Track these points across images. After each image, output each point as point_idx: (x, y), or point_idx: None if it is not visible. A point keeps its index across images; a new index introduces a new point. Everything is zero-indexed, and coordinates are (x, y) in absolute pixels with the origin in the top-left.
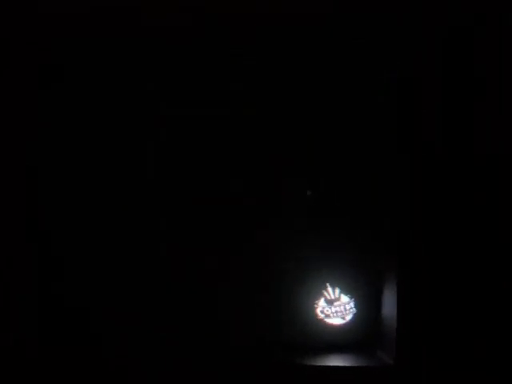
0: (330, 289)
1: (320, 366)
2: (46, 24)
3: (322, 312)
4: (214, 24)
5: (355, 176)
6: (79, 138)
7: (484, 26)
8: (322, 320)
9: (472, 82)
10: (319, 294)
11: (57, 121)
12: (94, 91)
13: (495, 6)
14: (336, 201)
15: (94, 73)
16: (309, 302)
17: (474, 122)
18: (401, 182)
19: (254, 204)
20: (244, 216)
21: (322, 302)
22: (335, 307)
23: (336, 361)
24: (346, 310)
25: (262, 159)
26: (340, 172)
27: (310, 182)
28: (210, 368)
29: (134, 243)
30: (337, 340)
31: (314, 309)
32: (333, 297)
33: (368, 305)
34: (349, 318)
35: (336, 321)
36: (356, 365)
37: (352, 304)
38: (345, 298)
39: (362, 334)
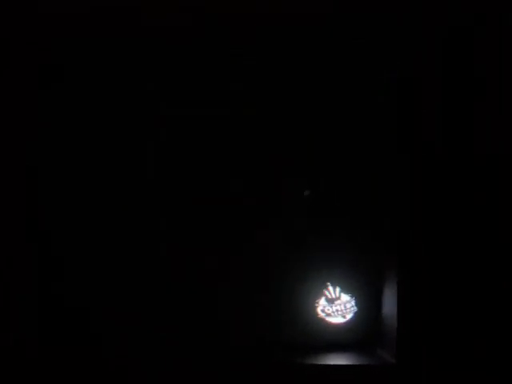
0: (330, 288)
1: (320, 364)
2: (46, 24)
3: (322, 311)
4: (214, 24)
5: (355, 176)
6: (79, 138)
7: (484, 25)
8: (322, 319)
9: (472, 82)
10: (320, 293)
11: (57, 121)
12: (93, 91)
13: (495, 6)
14: (336, 201)
15: (93, 73)
16: (309, 300)
17: (474, 121)
18: (401, 182)
19: (253, 204)
20: (244, 216)
21: (322, 301)
22: (336, 306)
23: (336, 359)
24: (346, 308)
25: (261, 159)
26: (340, 172)
27: (310, 182)
28: (210, 368)
29: (134, 243)
30: (337, 339)
31: (314, 308)
32: (333, 296)
33: (368, 304)
34: (349, 316)
35: (337, 320)
36: (356, 363)
37: (353, 302)
38: (345, 297)
39: (362, 333)
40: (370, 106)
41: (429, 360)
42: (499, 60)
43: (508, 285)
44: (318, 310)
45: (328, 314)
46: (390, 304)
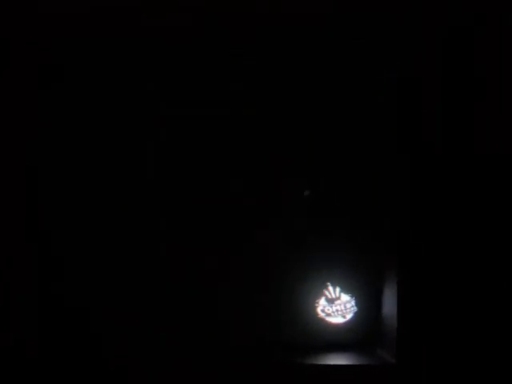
0: (330, 288)
1: (320, 364)
2: (46, 24)
3: (322, 311)
4: (214, 24)
5: (355, 176)
6: (79, 138)
7: (484, 25)
8: (322, 319)
9: (472, 82)
10: (320, 293)
11: (57, 121)
12: (93, 91)
13: (495, 6)
14: (336, 201)
15: (93, 73)
16: (309, 300)
17: (474, 121)
18: (401, 182)
19: (254, 204)
20: (244, 216)
21: (322, 301)
22: (336, 306)
23: (336, 359)
24: (346, 308)
25: (261, 159)
26: (340, 172)
27: (310, 182)
28: (210, 368)
29: (134, 243)
30: (337, 339)
31: (314, 308)
32: (333, 296)
33: (368, 304)
34: (349, 316)
35: (337, 320)
36: (356, 363)
37: (353, 302)
38: (345, 297)
39: (362, 333)
40: (370, 106)
41: (429, 360)
42: (499, 60)
43: (508, 285)
44: (318, 310)
45: (328, 314)
46: (389, 304)
